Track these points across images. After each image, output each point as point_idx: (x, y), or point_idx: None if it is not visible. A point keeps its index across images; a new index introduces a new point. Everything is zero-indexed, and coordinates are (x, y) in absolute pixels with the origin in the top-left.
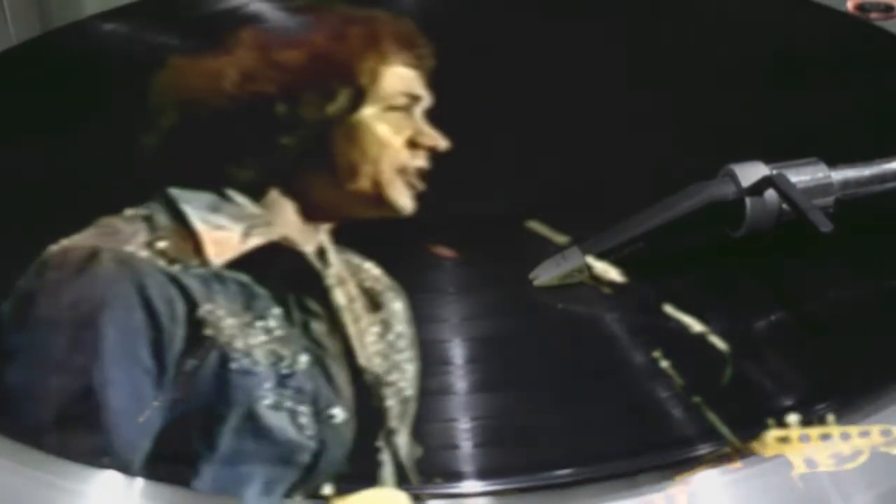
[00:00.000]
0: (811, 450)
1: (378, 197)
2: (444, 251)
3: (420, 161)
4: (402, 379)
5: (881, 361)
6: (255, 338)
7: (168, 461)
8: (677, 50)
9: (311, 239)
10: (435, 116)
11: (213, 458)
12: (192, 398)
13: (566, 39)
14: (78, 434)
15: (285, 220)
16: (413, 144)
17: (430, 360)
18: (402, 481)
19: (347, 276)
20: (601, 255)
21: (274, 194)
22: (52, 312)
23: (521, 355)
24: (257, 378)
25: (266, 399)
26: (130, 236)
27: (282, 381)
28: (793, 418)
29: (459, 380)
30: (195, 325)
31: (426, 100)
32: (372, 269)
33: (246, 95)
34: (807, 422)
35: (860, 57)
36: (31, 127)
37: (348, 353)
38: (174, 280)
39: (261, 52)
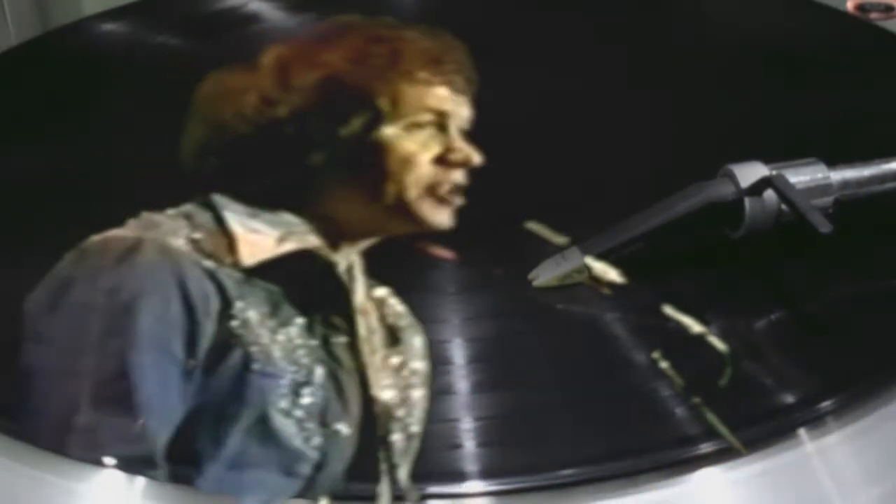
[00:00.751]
0: None
1: (409, 213)
2: (444, 252)
3: (454, 176)
4: (410, 415)
5: (881, 361)
6: (277, 344)
7: (175, 458)
8: (677, 50)
9: (343, 255)
10: None
11: (218, 457)
12: (210, 395)
13: (565, 39)
14: (104, 416)
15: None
16: (443, 161)
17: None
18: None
19: (371, 307)
20: (601, 256)
21: (305, 214)
22: (89, 297)
23: (520, 356)
24: (273, 383)
25: (278, 405)
26: (171, 230)
27: (296, 389)
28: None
29: (460, 380)
30: (226, 322)
31: (460, 116)
32: (396, 306)
33: (269, 117)
34: None
35: (860, 57)
36: (30, 127)
37: (361, 375)
38: (212, 276)
39: (288, 72)
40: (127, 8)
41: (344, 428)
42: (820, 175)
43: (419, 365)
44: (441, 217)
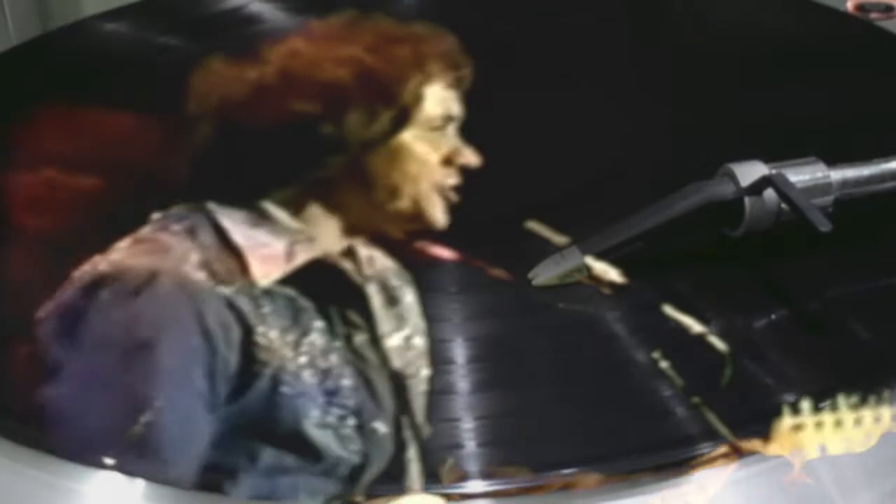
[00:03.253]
0: (824, 437)
1: (415, 213)
2: (444, 252)
3: (454, 179)
4: (418, 373)
5: (881, 361)
6: (302, 356)
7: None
8: (677, 50)
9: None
10: None
11: (255, 470)
12: (241, 419)
13: (565, 39)
14: (129, 456)
15: (324, 235)
16: (448, 162)
17: (431, 361)
18: (430, 480)
19: (371, 274)
20: (600, 255)
21: (314, 210)
22: (107, 332)
23: (520, 356)
24: (305, 398)
25: (313, 418)
26: (183, 255)
27: (328, 398)
28: (806, 405)
29: (460, 380)
30: (249, 349)
31: (460, 117)
32: (385, 262)
33: (291, 113)
34: (819, 408)
35: (860, 57)
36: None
37: (385, 361)
38: (230, 305)
39: (307, 67)
40: (127, 8)
41: (381, 426)
42: (820, 174)
43: (417, 321)
44: (439, 215)
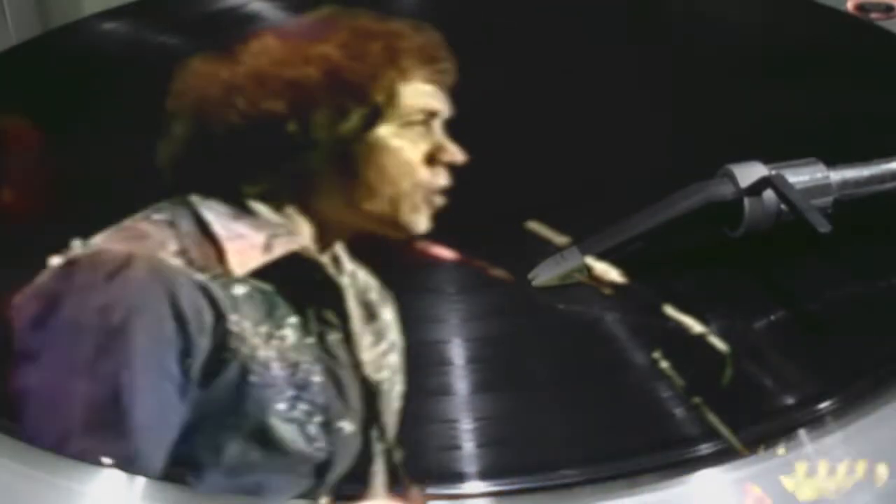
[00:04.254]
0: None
1: (394, 218)
2: (445, 252)
3: (441, 179)
4: (392, 389)
5: (881, 361)
6: (273, 349)
7: (177, 468)
8: (677, 50)
9: (328, 251)
10: None
11: (219, 464)
12: (208, 408)
13: (564, 39)
14: (100, 440)
15: (302, 232)
16: (432, 160)
17: (430, 361)
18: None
19: (350, 287)
20: (601, 255)
21: (290, 210)
22: (79, 315)
23: (520, 356)
24: (272, 391)
25: (278, 411)
26: (160, 242)
27: (296, 393)
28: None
29: (459, 380)
30: (221, 336)
31: (444, 113)
32: (368, 280)
33: (261, 110)
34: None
35: (860, 57)
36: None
37: (357, 365)
38: (204, 289)
39: (277, 65)
40: (127, 8)
41: (347, 425)
42: (819, 175)
43: (395, 338)
44: (421, 221)
